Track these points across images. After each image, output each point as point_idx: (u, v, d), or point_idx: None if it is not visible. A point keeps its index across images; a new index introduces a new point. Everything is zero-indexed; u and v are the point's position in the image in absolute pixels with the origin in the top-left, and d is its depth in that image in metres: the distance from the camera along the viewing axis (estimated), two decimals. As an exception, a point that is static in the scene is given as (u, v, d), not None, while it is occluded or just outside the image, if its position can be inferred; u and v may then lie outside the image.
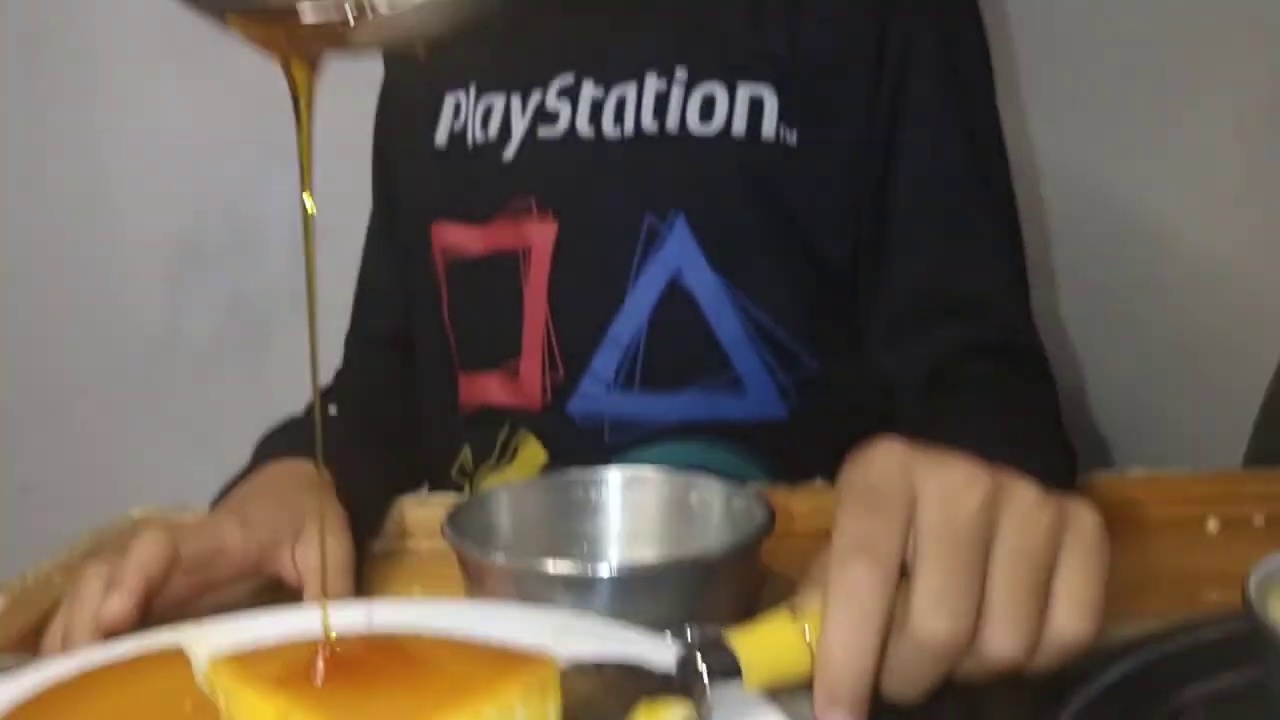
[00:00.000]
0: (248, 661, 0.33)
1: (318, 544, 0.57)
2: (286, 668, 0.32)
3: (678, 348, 0.74)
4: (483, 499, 0.59)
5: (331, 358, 0.94)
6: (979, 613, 0.38)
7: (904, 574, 0.38)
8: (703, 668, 0.36)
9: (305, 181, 0.40)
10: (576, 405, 0.76)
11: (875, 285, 0.76)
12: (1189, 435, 1.19)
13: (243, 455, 0.73)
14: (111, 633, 0.50)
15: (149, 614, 0.52)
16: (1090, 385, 1.19)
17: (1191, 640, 0.44)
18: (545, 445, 0.76)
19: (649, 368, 0.74)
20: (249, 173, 1.29)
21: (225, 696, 0.33)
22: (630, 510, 0.62)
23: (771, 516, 0.54)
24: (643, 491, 0.62)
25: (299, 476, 0.63)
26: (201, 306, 1.33)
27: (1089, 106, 1.14)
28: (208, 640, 0.41)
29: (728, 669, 0.36)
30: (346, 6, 0.49)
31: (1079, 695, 0.40)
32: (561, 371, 0.76)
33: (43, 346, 1.34)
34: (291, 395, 0.87)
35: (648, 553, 0.60)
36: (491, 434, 0.78)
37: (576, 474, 0.62)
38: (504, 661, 0.32)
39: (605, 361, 0.75)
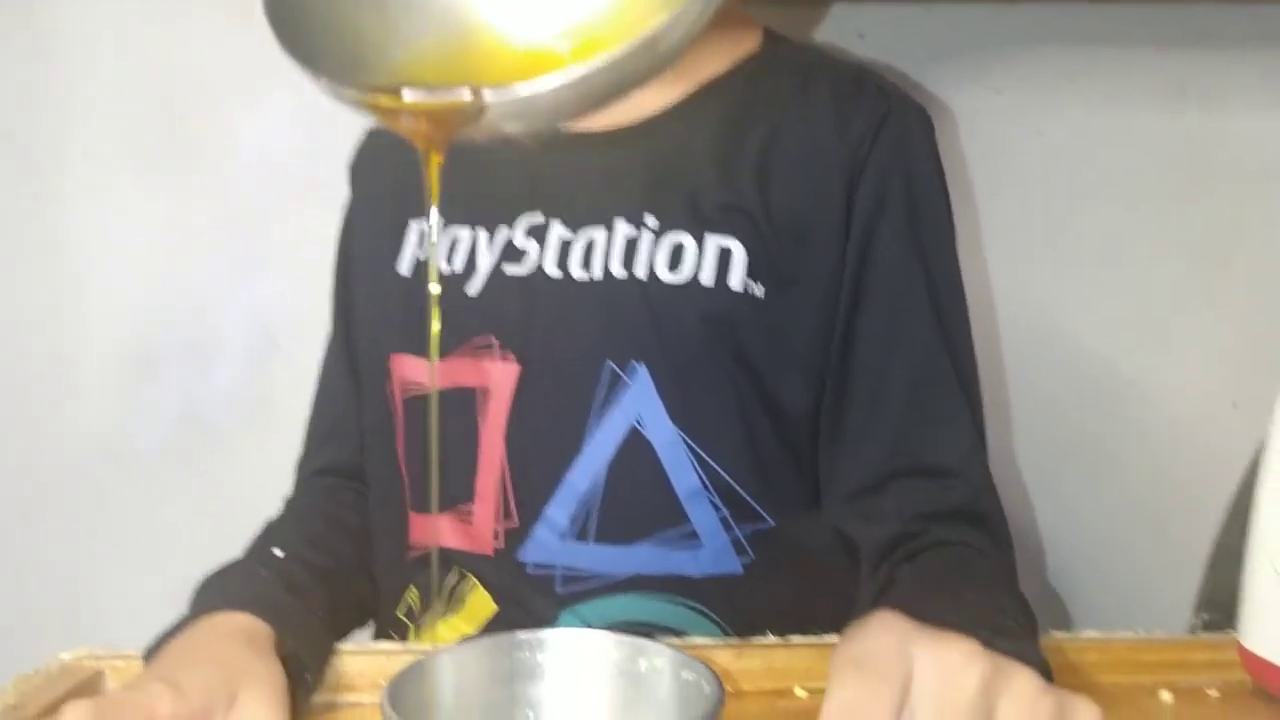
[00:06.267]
0: None
1: (251, 712, 0.55)
2: None
3: (634, 500, 0.73)
4: (423, 667, 0.57)
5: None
6: None
7: None
8: None
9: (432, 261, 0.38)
10: (529, 554, 0.74)
11: (837, 446, 0.76)
12: (1141, 574, 1.19)
13: (191, 569, 0.70)
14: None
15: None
16: (1043, 523, 1.19)
17: None
18: (494, 592, 0.75)
19: (604, 519, 0.73)
20: (205, 281, 1.28)
21: None
22: (577, 675, 0.60)
23: (721, 698, 0.53)
24: (590, 656, 0.60)
25: (236, 633, 0.61)
26: (153, 416, 1.30)
27: (1046, 250, 1.16)
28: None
29: None
30: (456, 94, 0.50)
31: None
32: (516, 519, 0.74)
33: (-13, 452, 1.31)
34: (244, 508, 0.85)
35: (594, 723, 0.59)
36: (440, 577, 0.77)
37: (521, 636, 0.60)
38: None
39: (560, 511, 0.74)
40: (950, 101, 1.14)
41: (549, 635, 0.61)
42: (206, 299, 1.28)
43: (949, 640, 0.38)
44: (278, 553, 0.73)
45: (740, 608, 0.74)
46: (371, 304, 0.85)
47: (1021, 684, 0.38)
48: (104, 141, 1.27)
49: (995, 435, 0.82)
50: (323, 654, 0.67)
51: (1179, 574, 1.15)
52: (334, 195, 0.96)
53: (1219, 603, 1.12)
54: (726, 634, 0.74)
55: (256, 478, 0.94)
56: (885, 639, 0.38)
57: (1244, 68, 1.12)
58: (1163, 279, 1.16)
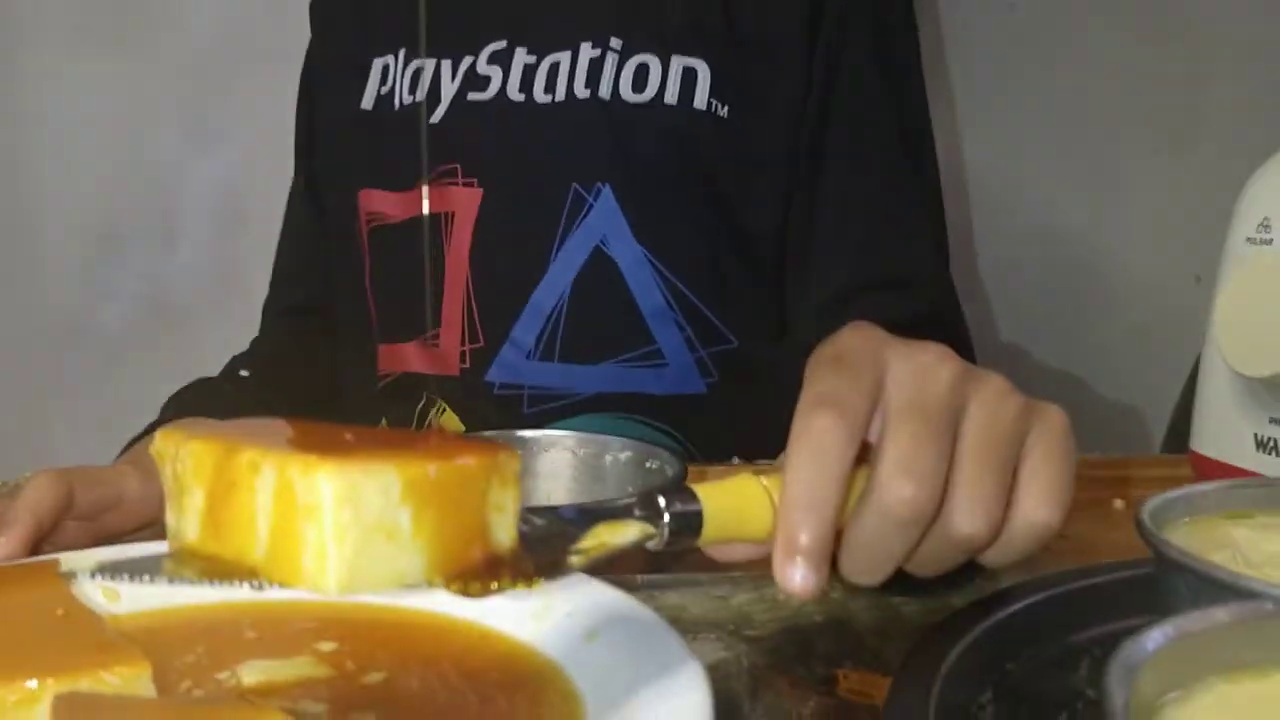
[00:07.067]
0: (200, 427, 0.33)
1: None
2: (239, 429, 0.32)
3: (599, 318, 0.74)
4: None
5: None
6: (945, 487, 0.36)
7: (866, 459, 0.37)
8: (664, 504, 0.35)
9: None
10: (495, 373, 0.75)
11: (804, 264, 0.76)
12: (1109, 434, 1.22)
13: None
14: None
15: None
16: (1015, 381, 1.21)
17: (1090, 582, 0.44)
18: (462, 415, 0.75)
19: (569, 338, 0.74)
20: (170, 157, 1.26)
21: (172, 462, 0.31)
22: (544, 472, 0.61)
23: (684, 471, 0.54)
24: (557, 454, 0.61)
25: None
26: (116, 294, 1.29)
27: (1016, 116, 1.17)
28: (86, 559, 0.39)
29: (689, 513, 0.35)
30: None
31: (972, 630, 0.39)
32: (481, 339, 0.75)
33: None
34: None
35: (559, 511, 0.59)
36: (409, 405, 0.77)
37: (486, 435, 0.61)
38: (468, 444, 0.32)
39: (525, 330, 0.74)
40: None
41: (515, 435, 0.61)
42: (169, 175, 1.26)
43: (922, 344, 0.39)
44: (244, 374, 0.73)
45: (703, 428, 0.75)
46: (336, 141, 0.84)
47: (992, 384, 0.38)
48: (57, 12, 1.24)
49: (967, 303, 0.82)
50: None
51: (1145, 434, 1.17)
52: (295, 62, 0.94)
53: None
54: (691, 456, 0.74)
55: (218, 358, 0.93)
56: (860, 341, 0.39)
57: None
58: (1130, 148, 1.17)
